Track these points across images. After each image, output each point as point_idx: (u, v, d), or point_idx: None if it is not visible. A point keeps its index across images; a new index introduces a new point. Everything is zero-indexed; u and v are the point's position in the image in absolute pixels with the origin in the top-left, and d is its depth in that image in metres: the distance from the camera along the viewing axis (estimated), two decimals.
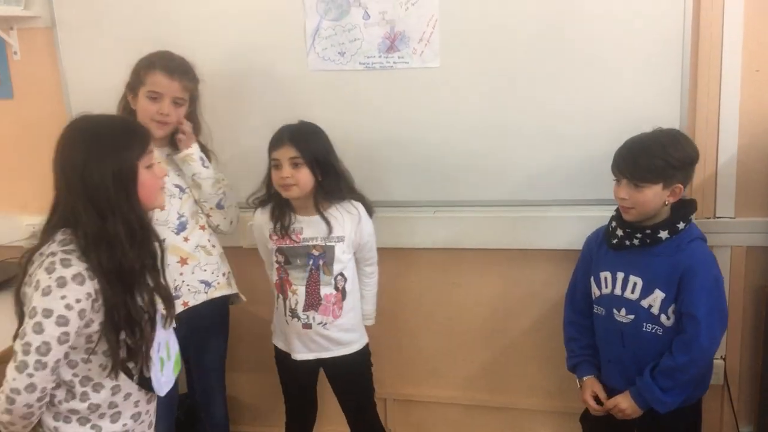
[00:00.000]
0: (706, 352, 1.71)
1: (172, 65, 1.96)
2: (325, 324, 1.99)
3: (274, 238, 1.99)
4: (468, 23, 2.12)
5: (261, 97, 2.27)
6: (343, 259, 1.99)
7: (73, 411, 1.43)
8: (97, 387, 1.44)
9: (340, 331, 2.02)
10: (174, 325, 1.96)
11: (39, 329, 1.31)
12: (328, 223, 1.95)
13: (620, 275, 1.79)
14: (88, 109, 2.42)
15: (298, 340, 2.02)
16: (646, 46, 2.04)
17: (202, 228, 2.09)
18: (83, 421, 1.44)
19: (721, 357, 2.23)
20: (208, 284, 2.08)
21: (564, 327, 2.00)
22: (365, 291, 2.12)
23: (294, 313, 1.99)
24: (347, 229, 1.98)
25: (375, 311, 2.16)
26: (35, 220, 2.50)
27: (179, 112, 1.98)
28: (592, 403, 1.86)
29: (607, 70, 2.08)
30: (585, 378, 1.90)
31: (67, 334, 1.33)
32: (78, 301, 1.33)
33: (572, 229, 2.13)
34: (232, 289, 2.17)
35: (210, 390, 2.26)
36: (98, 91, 2.33)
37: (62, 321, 1.32)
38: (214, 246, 2.12)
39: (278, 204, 1.98)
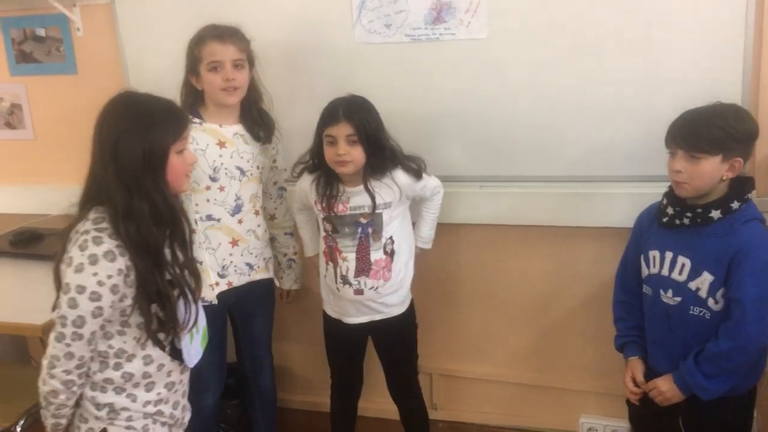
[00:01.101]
0: (753, 340, 1.62)
1: (220, 31, 2.01)
2: (377, 288, 2.03)
3: (318, 206, 2.03)
4: None
5: (308, 71, 2.28)
6: (393, 223, 2.02)
7: (108, 381, 1.51)
8: (130, 357, 1.51)
9: (390, 293, 2.06)
10: (208, 300, 2.05)
11: (73, 304, 1.39)
12: (373, 198, 1.98)
13: (669, 255, 1.72)
14: (146, 84, 2.55)
15: (351, 305, 2.07)
16: (708, 14, 1.94)
17: (257, 213, 2.15)
18: (119, 390, 1.52)
19: None
20: (251, 267, 2.16)
21: (613, 306, 1.95)
22: (427, 213, 2.15)
23: (345, 280, 2.03)
24: (393, 196, 2.01)
25: (433, 237, 2.18)
26: None
27: (243, 74, 2.03)
28: (629, 384, 1.82)
29: (665, 39, 1.98)
30: (630, 358, 1.86)
31: (100, 308, 1.40)
32: (109, 277, 1.39)
33: (623, 206, 2.06)
34: (269, 274, 2.25)
35: (257, 360, 2.34)
36: (156, 66, 2.44)
37: (95, 297, 1.39)
38: (265, 231, 2.20)
39: (326, 174, 2.00)
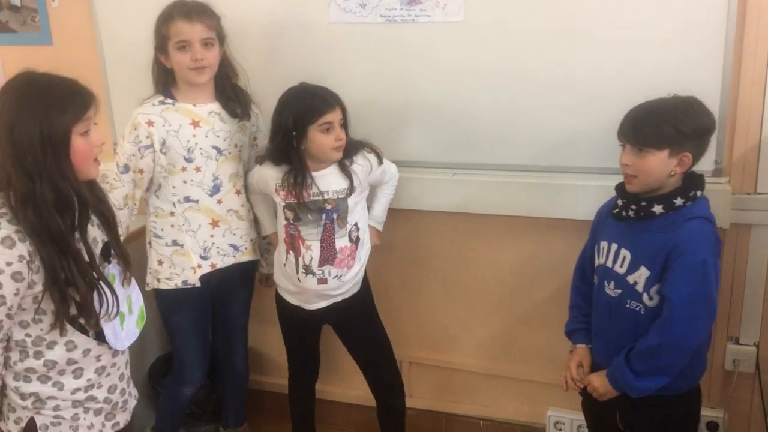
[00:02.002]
0: (681, 339, 1.64)
1: (188, 9, 2.02)
2: (341, 277, 2.06)
3: (282, 193, 2.03)
4: None
5: (279, 50, 2.30)
6: (357, 209, 2.06)
7: (30, 370, 1.49)
8: (51, 345, 1.48)
9: (352, 281, 2.10)
10: (191, 283, 2.11)
11: None
12: (351, 180, 2.01)
13: (614, 246, 1.76)
14: (120, 56, 2.55)
15: (312, 294, 2.09)
16: (689, 3, 1.93)
17: (238, 192, 2.16)
18: (44, 379, 1.50)
19: (754, 344, 2.15)
20: (236, 248, 2.19)
21: (570, 292, 2.00)
22: (382, 194, 2.19)
23: (308, 270, 2.05)
24: (362, 175, 2.06)
25: (384, 219, 2.22)
26: None
27: (212, 53, 2.04)
28: (571, 372, 1.88)
29: (643, 27, 1.98)
30: (578, 346, 1.91)
31: (2, 297, 1.38)
32: (9, 264, 1.37)
33: (596, 198, 2.05)
34: (257, 256, 2.27)
35: (232, 342, 2.39)
36: (131, 39, 2.44)
37: None
38: (249, 211, 2.21)
39: (296, 166, 2.00)
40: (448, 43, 2.15)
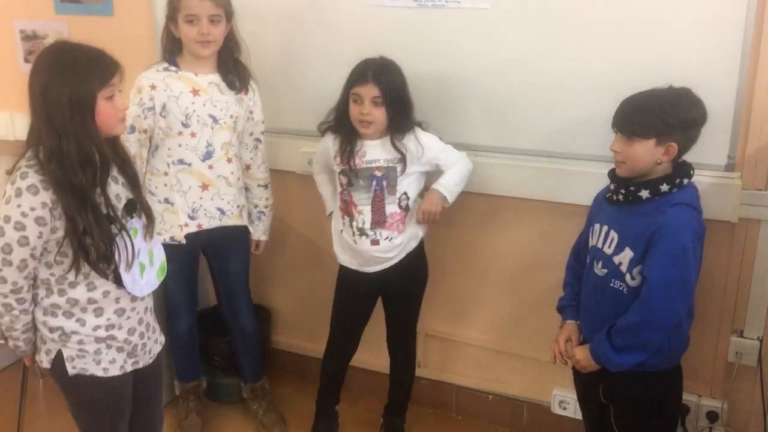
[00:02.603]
0: (658, 319, 1.74)
1: None
2: (392, 239, 2.23)
3: (337, 160, 2.21)
4: None
5: (318, 30, 2.47)
6: (407, 180, 2.20)
7: (55, 306, 1.67)
8: (73, 284, 1.66)
9: (404, 243, 2.25)
10: (177, 240, 2.29)
11: (1, 233, 1.58)
12: (403, 155, 2.16)
13: (605, 228, 1.87)
14: None
15: (369, 256, 2.26)
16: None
17: (229, 161, 2.35)
18: (68, 315, 1.68)
19: (758, 338, 2.21)
20: (222, 212, 2.37)
21: (565, 271, 2.11)
22: (451, 168, 2.24)
23: (362, 232, 2.22)
24: (414, 154, 2.19)
25: (454, 192, 2.25)
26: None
27: (218, 29, 2.21)
28: (559, 346, 1.98)
29: (663, 20, 2.06)
30: (567, 321, 2.02)
31: (26, 237, 1.57)
32: (33, 209, 1.55)
33: (605, 185, 2.14)
34: (243, 221, 2.44)
35: (234, 302, 2.57)
36: None
37: (19, 226, 1.56)
38: (238, 179, 2.39)
39: (347, 131, 2.18)
40: (474, 29, 2.27)
